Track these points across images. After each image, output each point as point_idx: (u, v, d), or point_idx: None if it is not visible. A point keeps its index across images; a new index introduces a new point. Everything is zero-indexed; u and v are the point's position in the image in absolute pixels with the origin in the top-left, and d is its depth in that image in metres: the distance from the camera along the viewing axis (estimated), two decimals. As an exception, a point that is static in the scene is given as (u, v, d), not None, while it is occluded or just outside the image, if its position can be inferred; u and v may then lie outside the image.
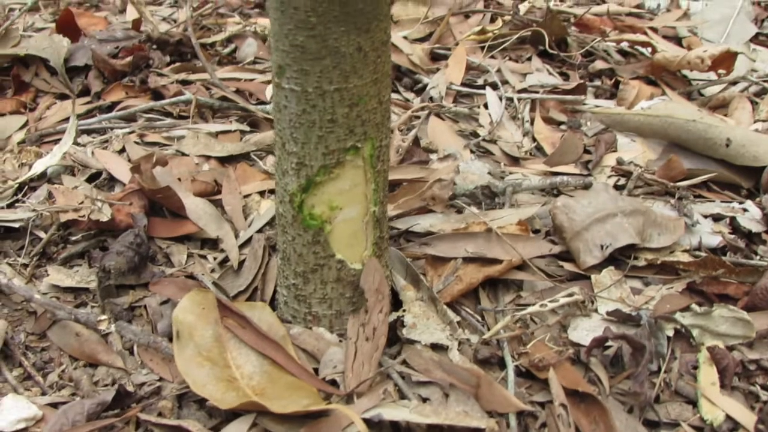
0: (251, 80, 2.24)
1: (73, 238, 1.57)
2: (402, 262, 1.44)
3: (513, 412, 1.18)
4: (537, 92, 2.24)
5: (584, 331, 1.37)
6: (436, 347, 1.29)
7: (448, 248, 1.49)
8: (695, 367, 1.32)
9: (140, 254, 1.45)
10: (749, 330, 1.36)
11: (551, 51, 2.46)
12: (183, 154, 1.83)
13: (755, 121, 2.12)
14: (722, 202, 1.76)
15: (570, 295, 1.39)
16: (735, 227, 1.66)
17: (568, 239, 1.54)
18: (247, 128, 2.00)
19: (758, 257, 1.58)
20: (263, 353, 1.23)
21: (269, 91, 2.15)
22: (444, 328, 1.33)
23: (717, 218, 1.69)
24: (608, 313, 1.39)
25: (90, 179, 1.76)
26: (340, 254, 1.25)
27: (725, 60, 2.25)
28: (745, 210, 1.70)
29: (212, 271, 1.49)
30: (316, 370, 1.25)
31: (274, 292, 1.41)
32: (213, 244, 1.57)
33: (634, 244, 1.53)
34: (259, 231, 1.55)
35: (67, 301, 1.44)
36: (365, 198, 1.22)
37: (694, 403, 1.26)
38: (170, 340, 1.30)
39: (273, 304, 1.39)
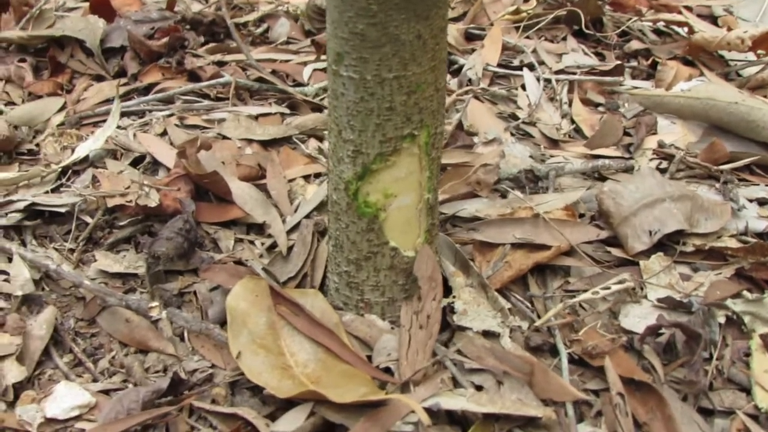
0: (287, 61, 2.23)
1: (120, 224, 1.57)
2: (450, 247, 1.43)
3: (570, 401, 1.17)
4: (574, 73, 2.21)
5: (636, 318, 1.36)
6: (487, 334, 1.29)
7: (495, 234, 1.48)
8: (747, 354, 1.31)
9: (189, 240, 1.44)
10: (801, 317, 1.35)
11: (587, 31, 2.43)
12: (224, 138, 1.82)
13: (796, 103, 2.08)
14: (766, 185, 1.74)
15: (621, 281, 1.38)
16: (780, 211, 1.65)
17: (615, 225, 1.53)
18: (287, 110, 1.98)
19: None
20: (317, 341, 1.23)
21: (306, 73, 2.13)
22: (495, 314, 1.32)
23: (762, 202, 1.68)
24: (659, 300, 1.38)
25: (134, 163, 1.75)
26: (394, 242, 1.24)
27: (766, 41, 2.22)
28: (790, 194, 1.69)
29: (260, 256, 1.49)
30: (369, 358, 1.24)
31: (324, 278, 1.40)
32: (258, 229, 1.57)
33: (681, 229, 1.51)
34: (307, 216, 1.54)
35: (115, 286, 1.44)
36: (419, 185, 1.21)
37: (747, 390, 1.25)
38: (221, 326, 1.31)
39: (322, 290, 1.38)
